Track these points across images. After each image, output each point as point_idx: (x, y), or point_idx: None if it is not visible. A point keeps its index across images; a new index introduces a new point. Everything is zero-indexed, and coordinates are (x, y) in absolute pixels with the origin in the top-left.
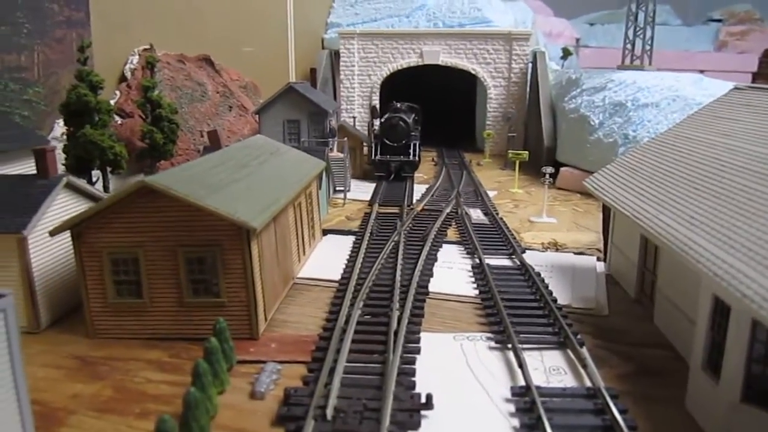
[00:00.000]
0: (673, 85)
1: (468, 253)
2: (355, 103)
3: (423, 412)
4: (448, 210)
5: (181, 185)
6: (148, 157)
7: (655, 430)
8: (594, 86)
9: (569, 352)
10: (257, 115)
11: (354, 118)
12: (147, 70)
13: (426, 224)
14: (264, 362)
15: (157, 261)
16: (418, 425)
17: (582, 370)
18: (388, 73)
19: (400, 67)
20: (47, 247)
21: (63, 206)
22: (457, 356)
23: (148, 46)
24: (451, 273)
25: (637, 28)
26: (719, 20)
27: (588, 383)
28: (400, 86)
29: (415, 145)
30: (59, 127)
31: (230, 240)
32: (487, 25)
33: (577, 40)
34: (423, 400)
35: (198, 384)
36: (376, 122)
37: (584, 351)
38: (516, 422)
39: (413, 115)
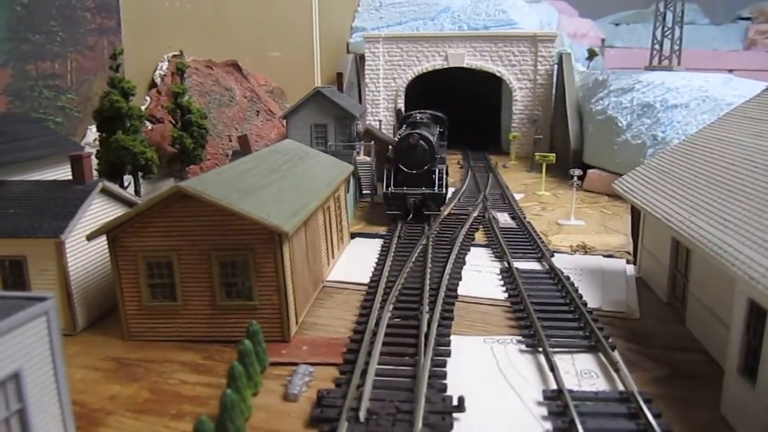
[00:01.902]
0: (703, 85)
1: (496, 257)
2: (381, 107)
3: (455, 415)
4: (475, 214)
5: (214, 190)
6: (178, 161)
7: None
8: (621, 87)
9: (601, 355)
10: (285, 120)
11: (380, 121)
12: (177, 76)
13: (453, 228)
14: (296, 364)
15: (191, 264)
16: (450, 427)
17: (614, 374)
18: (413, 76)
19: (425, 70)
20: (84, 250)
21: (99, 211)
22: (488, 359)
23: (177, 53)
24: (480, 276)
25: (665, 28)
26: (748, 18)
27: (621, 387)
28: (425, 89)
29: (441, 171)
30: (92, 133)
31: (263, 244)
32: (512, 27)
33: (603, 40)
34: (455, 402)
35: (233, 386)
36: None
37: (616, 354)
38: (549, 425)
39: (438, 128)
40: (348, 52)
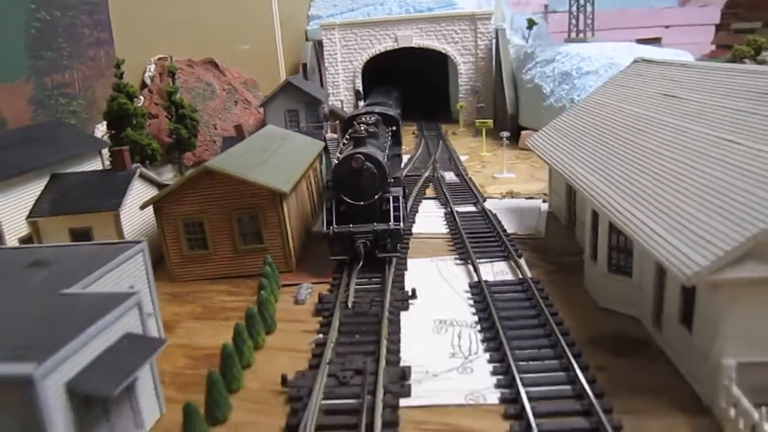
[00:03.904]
0: (610, 54)
1: (442, 205)
2: (341, 87)
3: (410, 301)
4: (426, 174)
5: (230, 166)
6: (176, 149)
7: (561, 298)
8: (545, 59)
9: (511, 262)
10: (262, 108)
11: (341, 101)
12: (167, 77)
13: (408, 186)
14: (299, 284)
15: (217, 222)
16: (407, 308)
17: (518, 271)
18: (368, 57)
19: (378, 52)
20: (131, 219)
21: (137, 190)
22: (433, 270)
23: (163, 56)
24: (429, 219)
25: (579, 6)
26: None
27: (520, 276)
28: (381, 68)
29: (396, 198)
30: (98, 131)
31: (268, 202)
32: (453, 8)
33: (546, 6)
34: (410, 293)
35: (263, 291)
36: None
37: (522, 260)
38: (471, 302)
39: (389, 133)
40: (307, 39)
